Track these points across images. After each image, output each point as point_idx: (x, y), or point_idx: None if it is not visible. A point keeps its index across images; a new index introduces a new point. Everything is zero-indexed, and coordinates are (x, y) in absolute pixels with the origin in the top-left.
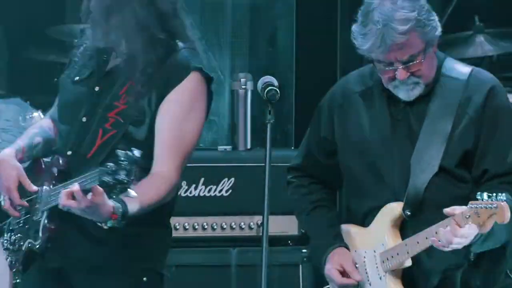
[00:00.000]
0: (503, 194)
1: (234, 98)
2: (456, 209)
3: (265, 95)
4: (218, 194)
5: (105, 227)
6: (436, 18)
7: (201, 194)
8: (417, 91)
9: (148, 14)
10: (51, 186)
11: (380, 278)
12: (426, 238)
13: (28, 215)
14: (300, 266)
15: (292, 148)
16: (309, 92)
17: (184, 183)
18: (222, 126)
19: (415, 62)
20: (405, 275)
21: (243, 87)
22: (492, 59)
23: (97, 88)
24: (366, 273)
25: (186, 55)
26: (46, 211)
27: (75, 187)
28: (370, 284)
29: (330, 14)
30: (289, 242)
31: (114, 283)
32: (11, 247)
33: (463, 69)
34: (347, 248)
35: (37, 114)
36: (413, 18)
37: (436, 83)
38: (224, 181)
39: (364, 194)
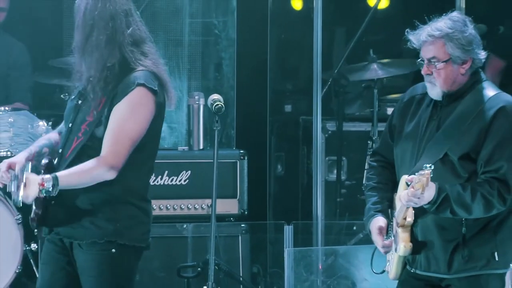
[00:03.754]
0: (432, 166)
1: (190, 110)
2: (414, 177)
3: (213, 108)
4: (178, 183)
5: (41, 195)
6: (474, 47)
7: (165, 183)
8: (436, 91)
9: (111, 47)
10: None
11: (396, 232)
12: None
13: None
14: (240, 237)
15: (234, 148)
16: (246, 106)
17: (153, 175)
18: (181, 131)
19: (434, 64)
20: (415, 235)
21: (197, 102)
22: (383, 81)
23: (79, 102)
24: (393, 228)
25: (135, 75)
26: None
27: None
28: (393, 237)
29: (262, 49)
30: (232, 218)
31: (92, 253)
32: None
33: (491, 91)
34: (384, 216)
35: (42, 123)
36: (445, 31)
37: (468, 93)
38: (183, 173)
39: (398, 170)
